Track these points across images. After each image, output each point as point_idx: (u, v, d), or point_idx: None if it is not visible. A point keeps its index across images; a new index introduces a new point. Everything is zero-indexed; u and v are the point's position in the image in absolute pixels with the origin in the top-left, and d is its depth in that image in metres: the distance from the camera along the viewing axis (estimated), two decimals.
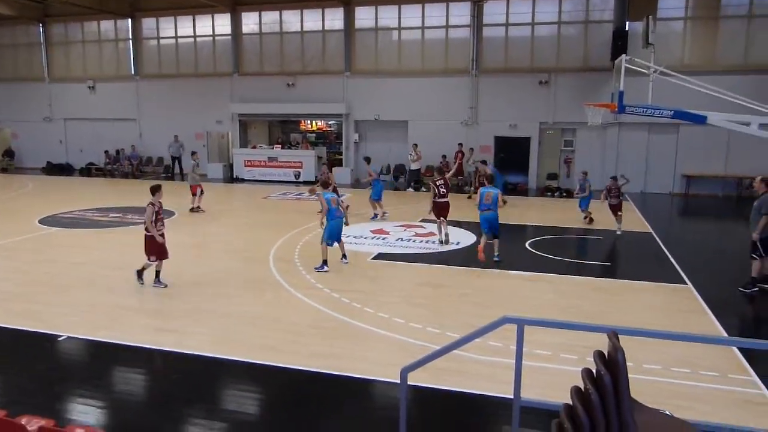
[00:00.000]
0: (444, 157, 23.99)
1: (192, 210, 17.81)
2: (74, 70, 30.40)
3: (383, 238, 14.12)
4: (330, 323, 8.55)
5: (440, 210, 13.66)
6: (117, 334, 8.06)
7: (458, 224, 15.89)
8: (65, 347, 7.84)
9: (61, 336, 8.02)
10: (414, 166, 23.67)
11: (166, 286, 10.10)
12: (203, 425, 5.86)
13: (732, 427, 3.94)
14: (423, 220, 16.04)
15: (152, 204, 9.90)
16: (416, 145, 23.55)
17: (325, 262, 11.15)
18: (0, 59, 31.63)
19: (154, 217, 9.87)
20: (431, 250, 13.17)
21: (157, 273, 10.18)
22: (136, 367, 7.25)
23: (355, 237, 13.94)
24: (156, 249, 10.01)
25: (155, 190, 10.06)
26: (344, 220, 11.70)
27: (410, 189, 23.54)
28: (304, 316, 8.86)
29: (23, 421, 4.06)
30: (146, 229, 9.94)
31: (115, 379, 6.97)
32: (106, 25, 29.61)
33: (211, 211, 18.27)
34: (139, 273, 10.27)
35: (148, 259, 10.09)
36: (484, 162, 20.04)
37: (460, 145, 23.85)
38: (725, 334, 8.32)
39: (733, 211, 20.17)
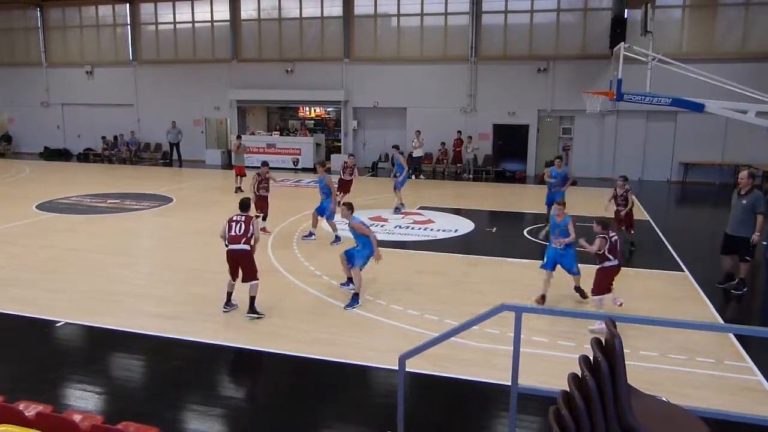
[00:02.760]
0: (443, 144, 23.95)
1: (237, 190, 18.91)
2: (72, 55, 30.16)
3: (381, 226, 14.11)
4: (329, 310, 8.57)
5: None
6: (115, 320, 8.08)
7: (458, 212, 15.96)
8: (63, 333, 7.84)
9: (58, 322, 8.03)
10: (417, 153, 23.23)
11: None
12: (201, 411, 5.89)
13: (728, 413, 3.96)
14: (421, 207, 16.01)
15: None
16: (419, 132, 23.30)
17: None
18: None
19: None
20: (429, 238, 13.18)
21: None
22: (135, 354, 7.26)
23: None
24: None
25: (247, 205, 8.60)
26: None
27: (413, 176, 23.38)
28: (303, 303, 8.88)
29: (21, 406, 4.07)
30: (252, 246, 8.24)
31: (114, 365, 6.99)
32: (104, 10, 29.34)
33: (209, 197, 18.27)
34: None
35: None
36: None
37: (459, 133, 23.82)
38: (722, 321, 8.37)
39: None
